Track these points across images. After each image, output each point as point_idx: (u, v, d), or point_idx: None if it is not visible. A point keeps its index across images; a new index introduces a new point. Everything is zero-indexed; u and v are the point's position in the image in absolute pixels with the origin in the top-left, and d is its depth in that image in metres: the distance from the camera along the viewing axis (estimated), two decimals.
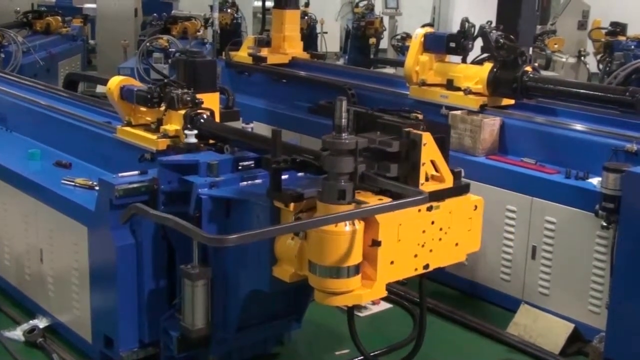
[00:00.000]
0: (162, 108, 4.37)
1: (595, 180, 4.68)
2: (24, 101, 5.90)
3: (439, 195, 3.30)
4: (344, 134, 3.03)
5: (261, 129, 6.64)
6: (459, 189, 3.39)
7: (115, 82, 4.57)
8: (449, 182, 3.33)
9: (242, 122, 4.54)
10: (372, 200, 3.15)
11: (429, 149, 3.21)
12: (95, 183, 4.32)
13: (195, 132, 4.11)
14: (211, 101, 4.41)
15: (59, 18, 11.75)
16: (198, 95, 4.32)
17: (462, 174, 3.41)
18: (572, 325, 4.75)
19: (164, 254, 3.94)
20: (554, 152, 5.19)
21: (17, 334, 4.59)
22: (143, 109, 4.52)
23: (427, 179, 3.27)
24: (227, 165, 3.81)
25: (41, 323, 4.67)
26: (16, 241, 4.93)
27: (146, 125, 4.50)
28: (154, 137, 4.33)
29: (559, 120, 5.37)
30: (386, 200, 3.16)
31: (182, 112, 4.24)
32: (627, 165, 4.37)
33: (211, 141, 4.19)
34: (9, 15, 11.60)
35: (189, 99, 4.27)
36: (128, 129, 4.56)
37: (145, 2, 14.78)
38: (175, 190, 3.81)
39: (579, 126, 5.22)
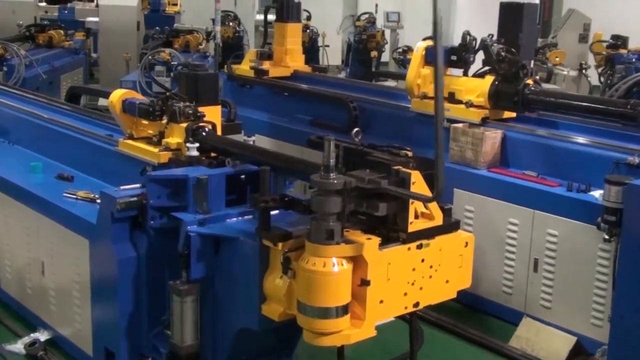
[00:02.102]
0: (164, 121, 4.36)
1: (597, 193, 4.68)
2: (26, 114, 5.91)
3: (428, 234, 3.27)
4: (332, 174, 3.01)
5: (263, 142, 6.69)
6: (448, 227, 3.36)
7: (117, 95, 4.56)
8: (438, 220, 3.31)
9: (243, 135, 4.54)
10: (362, 240, 3.10)
11: (418, 187, 3.19)
12: (97, 196, 4.33)
13: (197, 145, 4.09)
14: (213, 114, 4.40)
15: (62, 32, 11.80)
16: (200, 108, 4.32)
17: (452, 211, 3.38)
18: (574, 338, 4.74)
19: (165, 267, 3.94)
20: (556, 165, 5.19)
21: (19, 347, 4.58)
22: (145, 122, 4.52)
23: (416, 217, 3.25)
24: (217, 181, 3.77)
25: (42, 336, 4.67)
26: (18, 254, 4.93)
27: (148, 138, 4.49)
28: (155, 150, 4.32)
29: (560, 133, 5.37)
30: (375, 240, 3.13)
31: (184, 125, 4.23)
32: (628, 178, 4.37)
33: (213, 154, 4.18)
34: (12, 29, 11.63)
35: (190, 112, 4.26)
36: (130, 141, 4.55)
37: (147, 16, 14.88)
38: (165, 226, 3.79)
39: (580, 139, 5.22)
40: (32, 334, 4.70)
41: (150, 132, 4.48)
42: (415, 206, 3.21)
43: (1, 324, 4.98)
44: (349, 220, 3.12)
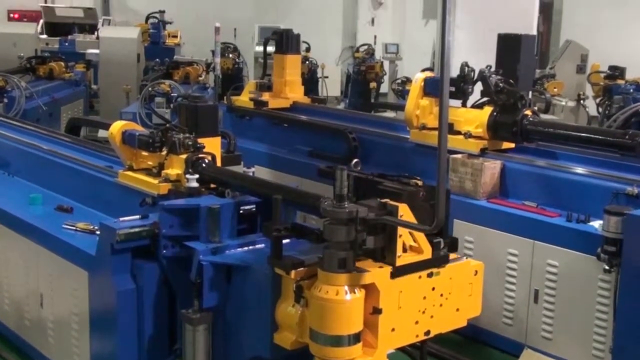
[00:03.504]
0: (164, 152, 4.38)
1: (596, 224, 4.68)
2: (26, 146, 5.93)
3: (414, 267, 3.29)
4: (344, 203, 3.07)
5: (262, 173, 6.69)
6: (437, 260, 3.38)
7: (117, 126, 4.58)
8: (427, 254, 3.33)
9: (243, 166, 4.55)
10: (373, 269, 3.16)
11: (406, 220, 3.23)
12: (96, 227, 4.32)
13: (197, 176, 4.12)
14: (213, 145, 4.43)
15: (62, 63, 11.85)
16: (200, 140, 4.33)
17: (442, 244, 3.40)
18: None
19: (165, 299, 3.92)
20: (555, 195, 5.19)
21: None
22: (145, 153, 4.53)
23: (405, 250, 3.27)
24: (228, 210, 3.81)
25: None
26: (16, 286, 4.92)
27: (148, 169, 4.51)
28: (155, 181, 4.33)
29: (559, 164, 5.39)
30: (387, 268, 3.17)
31: (184, 156, 4.25)
32: (628, 208, 4.37)
33: (212, 185, 4.20)
34: (13, 61, 11.69)
35: (190, 143, 4.28)
36: (130, 173, 4.56)
37: (147, 48, 14.95)
38: (177, 255, 3.81)
39: (579, 169, 5.23)
40: None
41: (150, 163, 4.50)
42: (404, 239, 3.23)
43: None
44: (361, 249, 3.15)
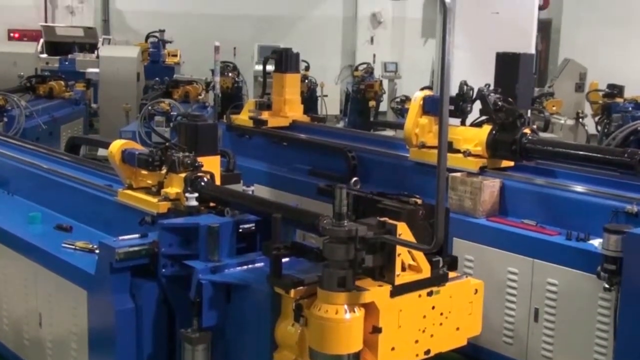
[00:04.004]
0: (164, 171, 4.39)
1: (596, 242, 4.67)
2: (25, 165, 5.93)
3: (413, 286, 3.29)
4: (344, 222, 3.08)
5: (262, 191, 6.68)
6: (437, 279, 3.38)
7: (117, 145, 4.59)
8: (426, 273, 3.33)
9: (242, 184, 4.56)
10: (373, 287, 3.16)
11: (405, 239, 3.23)
12: (95, 246, 4.32)
13: (196, 195, 4.12)
14: (212, 164, 4.43)
15: (62, 82, 11.86)
16: (199, 158, 4.34)
17: (441, 263, 3.40)
18: None
19: (164, 318, 3.91)
20: (554, 214, 5.19)
21: None
22: (144, 172, 4.54)
23: (404, 269, 3.27)
24: (227, 229, 3.81)
25: None
26: (15, 305, 4.90)
27: (147, 188, 4.51)
28: (154, 200, 4.34)
29: (558, 182, 5.39)
30: (386, 287, 3.16)
31: (183, 175, 4.26)
32: (627, 226, 4.37)
33: (212, 204, 4.20)
34: (13, 80, 11.71)
35: (189, 162, 4.29)
36: (129, 192, 4.57)
37: (147, 67, 14.99)
38: (176, 274, 3.81)
39: (578, 188, 5.23)
40: None
41: (150, 182, 4.51)
42: (403, 258, 3.23)
43: None
44: (360, 267, 3.16)
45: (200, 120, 4.58)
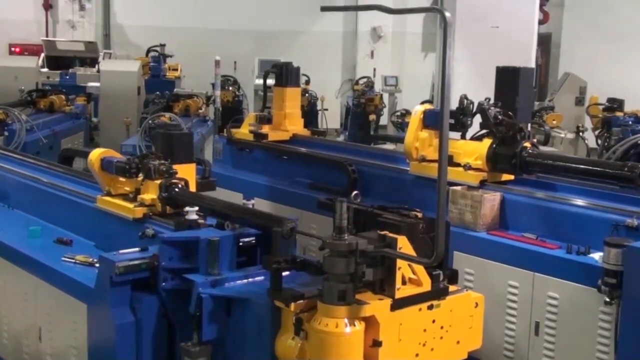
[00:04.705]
0: (140, 178, 4.58)
1: (596, 256, 4.67)
2: (26, 178, 5.93)
3: (414, 300, 3.29)
4: (344, 235, 3.08)
5: (263, 205, 6.69)
6: (437, 293, 3.38)
7: (96, 154, 4.81)
8: (426, 286, 3.34)
9: (243, 198, 4.57)
10: (373, 300, 3.17)
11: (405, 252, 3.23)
12: (95, 260, 4.32)
13: (197, 208, 4.15)
14: (187, 172, 4.65)
15: (63, 96, 11.88)
16: (175, 166, 4.55)
17: (441, 277, 3.40)
18: None
19: (164, 332, 3.91)
20: (555, 227, 5.19)
21: None
22: (122, 179, 4.73)
23: (404, 283, 3.27)
24: (228, 242, 3.81)
25: None
26: (15, 319, 4.89)
27: (125, 194, 4.71)
28: (131, 205, 4.54)
29: (558, 196, 5.39)
30: (387, 301, 3.17)
31: (158, 181, 4.46)
32: (628, 240, 4.37)
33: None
34: (14, 95, 11.74)
35: (164, 169, 4.49)
36: (107, 198, 4.77)
37: (148, 81, 15.04)
38: (176, 288, 3.81)
39: (579, 201, 5.23)
40: None
41: (127, 189, 4.73)
42: (403, 272, 3.23)
43: None
44: (360, 281, 3.16)
45: (176, 130, 4.87)
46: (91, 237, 4.94)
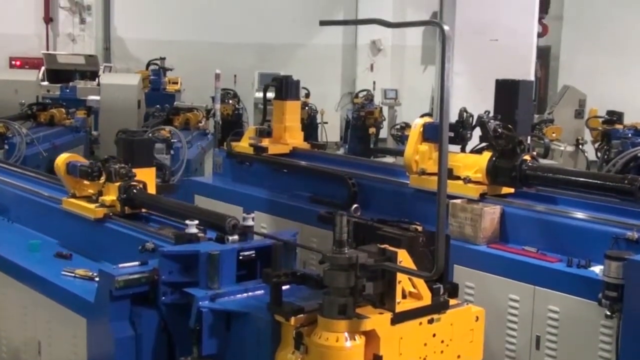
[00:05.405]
0: (102, 181, 4.96)
1: (597, 269, 4.66)
2: (25, 192, 5.93)
3: (414, 314, 3.29)
4: (344, 249, 3.08)
5: (262, 218, 6.69)
6: (437, 306, 3.38)
7: (62, 159, 5.17)
8: (426, 300, 3.33)
9: (243, 212, 4.57)
10: (373, 314, 3.16)
11: (406, 266, 3.23)
12: (95, 274, 4.31)
13: (196, 222, 4.14)
14: (147, 175, 5.02)
15: (63, 110, 11.90)
16: (135, 170, 4.91)
17: (441, 290, 3.39)
18: None
19: (163, 346, 3.89)
20: (555, 240, 5.18)
21: None
22: (86, 182, 5.09)
23: (404, 297, 3.27)
24: (228, 256, 3.80)
25: None
26: (14, 333, 4.88)
27: (88, 197, 5.09)
28: (92, 206, 4.91)
29: (559, 209, 5.38)
30: (387, 315, 3.16)
31: (118, 184, 4.83)
32: (628, 253, 4.36)
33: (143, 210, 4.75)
34: (14, 108, 11.75)
35: (124, 172, 4.85)
36: (72, 200, 5.15)
37: (148, 94, 15.06)
38: (176, 302, 3.81)
39: (579, 214, 5.22)
40: None
41: (91, 191, 5.10)
42: (403, 285, 3.22)
43: None
44: (361, 295, 3.15)
45: (136, 136, 5.28)
46: (92, 250, 4.94)
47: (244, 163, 7.82)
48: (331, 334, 3.05)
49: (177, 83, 16.69)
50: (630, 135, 11.43)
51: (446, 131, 3.00)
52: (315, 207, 6.47)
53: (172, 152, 9.33)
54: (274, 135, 7.80)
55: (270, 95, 8.30)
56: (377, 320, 3.13)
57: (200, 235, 4.13)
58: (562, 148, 12.67)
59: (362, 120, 15.49)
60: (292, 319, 3.22)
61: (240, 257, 3.88)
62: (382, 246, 3.26)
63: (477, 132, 5.82)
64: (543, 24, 16.67)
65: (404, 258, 3.21)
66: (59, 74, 17.00)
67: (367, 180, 6.65)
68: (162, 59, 16.78)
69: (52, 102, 12.74)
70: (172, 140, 9.63)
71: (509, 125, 5.70)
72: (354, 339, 3.06)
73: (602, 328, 4.56)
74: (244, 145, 7.86)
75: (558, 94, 15.87)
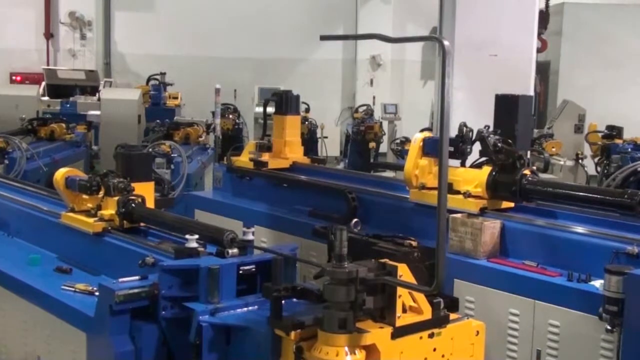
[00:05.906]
0: (101, 195, 4.95)
1: (597, 283, 4.66)
2: (26, 207, 5.93)
3: (414, 328, 3.29)
4: (344, 263, 3.08)
5: (262, 233, 6.69)
6: (438, 321, 3.38)
7: (61, 173, 5.18)
8: (427, 314, 3.33)
9: (243, 226, 4.57)
10: (374, 329, 3.16)
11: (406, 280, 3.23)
12: (95, 289, 4.31)
13: (197, 236, 4.14)
14: (145, 189, 5.03)
15: (63, 125, 11.92)
16: (134, 184, 4.93)
17: (442, 304, 3.39)
18: None
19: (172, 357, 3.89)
20: (555, 255, 5.18)
21: None
22: (85, 196, 5.07)
23: (404, 311, 3.27)
24: (228, 270, 3.80)
25: None
26: (13, 348, 4.87)
27: (87, 211, 5.05)
28: (91, 220, 4.91)
29: (559, 223, 5.38)
30: (387, 329, 3.16)
31: (117, 198, 4.85)
32: (629, 267, 4.36)
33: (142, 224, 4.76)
34: (15, 123, 11.77)
35: (122, 186, 4.88)
36: (71, 214, 5.14)
37: (148, 109, 15.09)
38: (176, 316, 3.81)
39: (579, 229, 5.22)
40: None
41: (90, 205, 5.06)
42: (404, 300, 3.22)
43: None
44: (361, 309, 3.16)
45: (135, 150, 5.30)
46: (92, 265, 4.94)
47: (244, 177, 7.82)
48: (331, 348, 3.05)
49: (177, 98, 16.74)
50: (629, 149, 11.44)
51: (446, 146, 3.00)
52: (315, 222, 6.45)
53: (172, 166, 9.33)
54: (274, 150, 7.81)
55: (270, 109, 8.32)
56: (377, 334, 3.12)
57: (200, 250, 4.13)
58: (561, 162, 12.69)
59: (362, 135, 15.52)
60: (292, 333, 3.22)
61: (241, 272, 3.88)
62: (382, 260, 3.26)
63: (477, 146, 5.83)
64: (542, 39, 16.72)
65: (404, 272, 3.21)
66: (59, 89, 17.06)
67: (367, 195, 6.65)
68: (163, 73, 16.83)
69: (52, 117, 12.75)
70: (172, 155, 9.64)
71: (509, 140, 5.72)
72: (354, 353, 3.06)
73: (603, 342, 4.55)
74: (244, 159, 7.87)
75: (557, 109, 15.90)
